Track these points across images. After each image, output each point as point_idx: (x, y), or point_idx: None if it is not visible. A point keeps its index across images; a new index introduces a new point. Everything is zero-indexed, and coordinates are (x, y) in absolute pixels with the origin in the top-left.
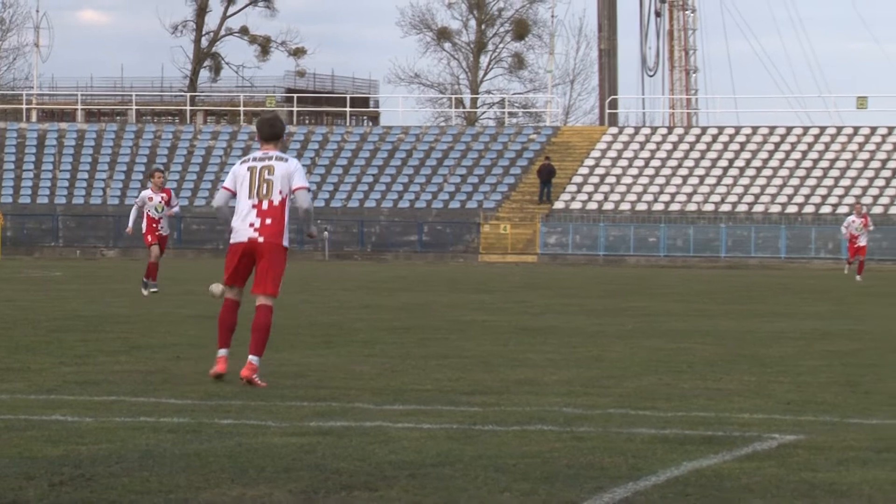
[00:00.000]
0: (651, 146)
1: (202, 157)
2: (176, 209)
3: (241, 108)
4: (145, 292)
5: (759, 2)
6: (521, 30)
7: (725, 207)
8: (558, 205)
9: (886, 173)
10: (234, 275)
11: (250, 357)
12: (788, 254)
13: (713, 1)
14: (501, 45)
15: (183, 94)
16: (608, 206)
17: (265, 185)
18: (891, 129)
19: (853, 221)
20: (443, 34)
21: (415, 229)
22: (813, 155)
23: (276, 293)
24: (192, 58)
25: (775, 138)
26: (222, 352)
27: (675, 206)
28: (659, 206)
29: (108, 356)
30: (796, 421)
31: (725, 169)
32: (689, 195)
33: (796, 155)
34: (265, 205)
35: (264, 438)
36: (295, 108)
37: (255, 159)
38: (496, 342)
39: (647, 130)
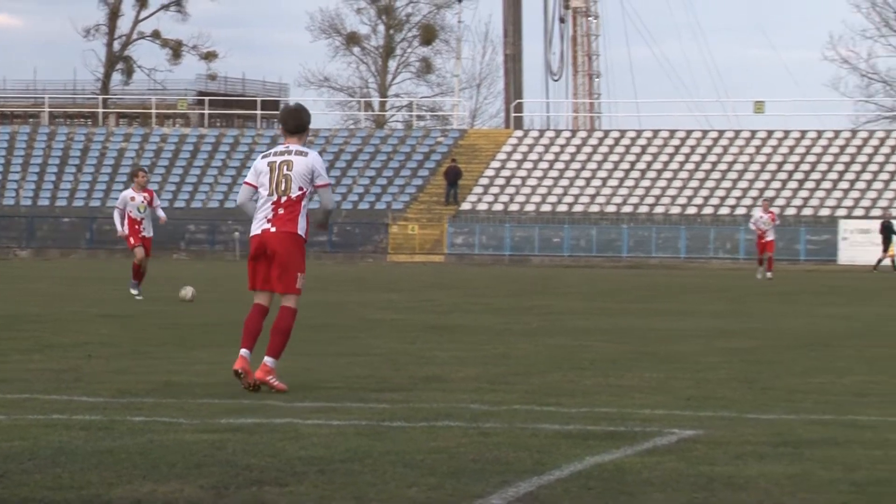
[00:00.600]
0: (555, 149)
1: (114, 158)
2: (160, 212)
3: (153, 111)
4: (135, 292)
5: (660, 9)
6: (428, 35)
7: (627, 209)
8: (465, 206)
9: (783, 175)
10: (254, 277)
11: (266, 358)
12: (688, 254)
13: (615, 7)
14: (409, 50)
15: (95, 96)
16: (514, 207)
17: (284, 181)
18: (787, 132)
19: (760, 217)
20: (352, 39)
21: (325, 230)
22: (712, 158)
23: (297, 290)
24: (104, 61)
25: (675, 141)
26: (244, 351)
27: (578, 208)
28: (563, 208)
29: (22, 354)
30: (696, 416)
31: (627, 171)
32: (592, 197)
33: (696, 158)
34: (283, 200)
35: (176, 435)
36: (206, 111)
37: (275, 153)
38: (404, 340)
39: (551, 133)
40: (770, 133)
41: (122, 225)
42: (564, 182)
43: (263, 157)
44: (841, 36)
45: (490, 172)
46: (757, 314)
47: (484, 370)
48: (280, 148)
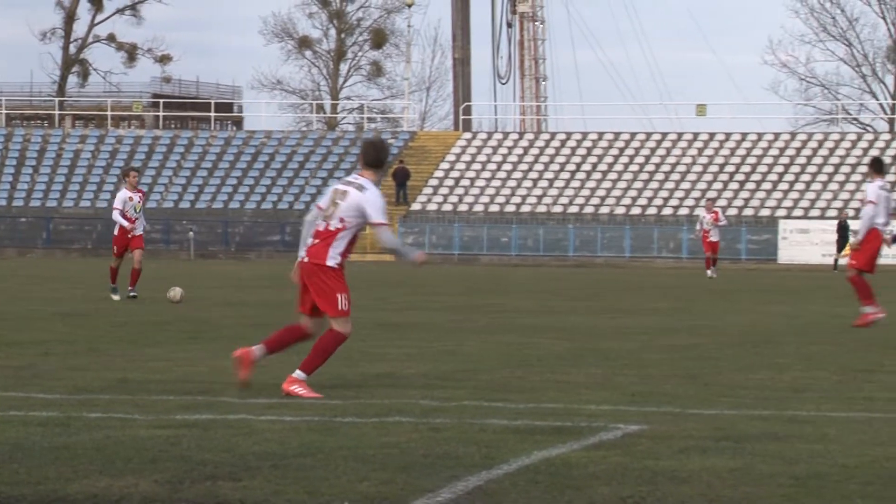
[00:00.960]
0: (503, 150)
1: (70, 160)
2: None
3: (109, 113)
4: (116, 297)
5: (604, 14)
6: (379, 39)
7: (573, 209)
8: (415, 206)
9: (724, 177)
10: (299, 301)
11: (297, 371)
12: (632, 253)
13: (561, 12)
14: (360, 54)
15: (52, 98)
16: (462, 207)
17: (333, 208)
18: (728, 134)
19: (704, 217)
20: (304, 43)
21: (277, 229)
22: (655, 159)
23: (337, 313)
24: (60, 64)
25: (620, 143)
26: (257, 346)
27: (525, 208)
28: (510, 208)
29: None
30: (640, 412)
31: (573, 172)
32: (539, 197)
33: (640, 159)
34: (322, 228)
35: (131, 431)
36: (161, 113)
37: (344, 181)
38: (356, 338)
39: (499, 135)
40: (712, 135)
41: (124, 221)
42: (512, 183)
43: (336, 183)
44: (780, 41)
45: (439, 173)
46: (699, 312)
47: (434, 367)
48: (350, 177)
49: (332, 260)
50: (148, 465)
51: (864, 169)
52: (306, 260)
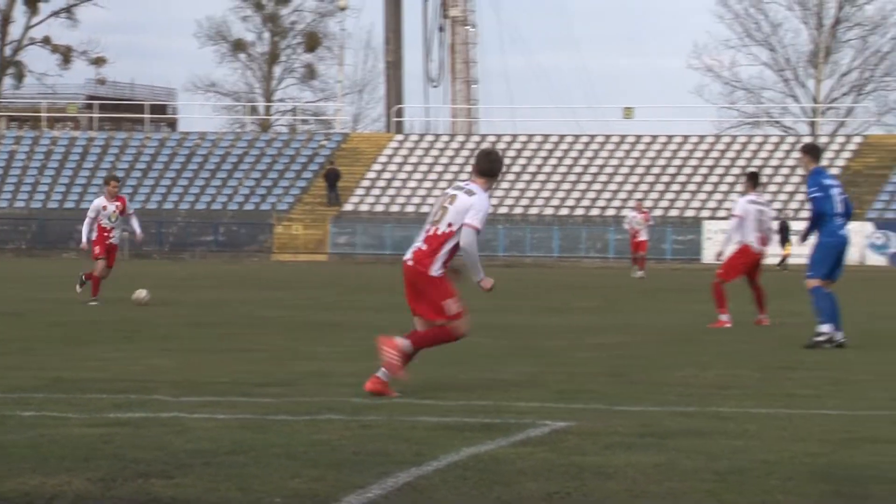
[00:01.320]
0: (434, 152)
1: (5, 160)
2: (136, 225)
3: (44, 114)
4: (94, 303)
5: (535, 19)
6: (312, 42)
7: (503, 210)
8: (347, 207)
9: (650, 178)
10: (409, 302)
11: (401, 339)
12: (561, 253)
13: (492, 17)
14: (294, 56)
15: None
16: (394, 208)
17: (440, 212)
18: (655, 137)
19: (634, 217)
20: (238, 45)
21: (211, 230)
22: (583, 161)
23: (453, 316)
24: None
25: (549, 145)
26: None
27: None
28: None
29: None
30: (568, 409)
31: (503, 173)
32: None
33: (568, 161)
34: (431, 233)
35: (65, 429)
36: (96, 115)
37: (454, 186)
38: (288, 337)
39: (430, 138)
40: (638, 137)
41: (91, 234)
42: (443, 184)
43: (448, 188)
44: (705, 45)
45: (372, 174)
46: (626, 311)
47: (365, 366)
48: (460, 182)
49: (435, 270)
50: (81, 464)
51: (786, 171)
52: (410, 263)
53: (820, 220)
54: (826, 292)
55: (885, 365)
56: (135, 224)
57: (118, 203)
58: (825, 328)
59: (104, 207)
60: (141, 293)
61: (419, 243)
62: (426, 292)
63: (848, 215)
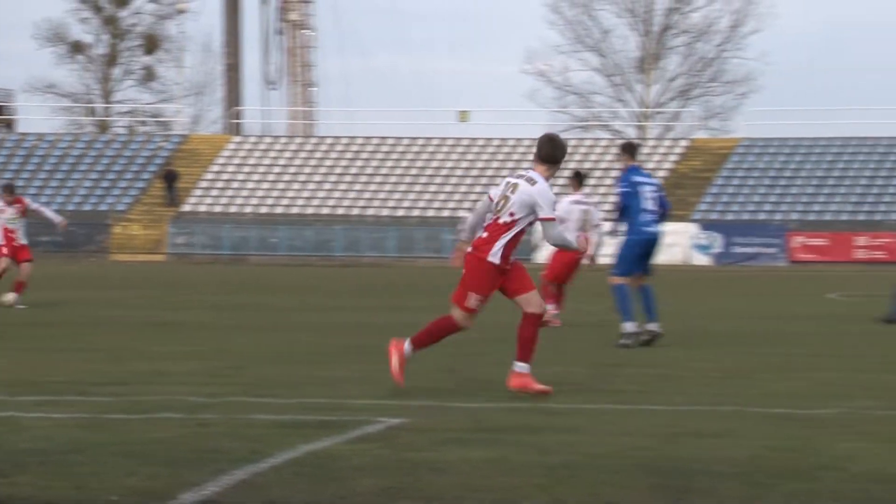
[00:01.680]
0: (273, 154)
1: None
2: (45, 211)
3: None
4: (21, 306)
5: (373, 23)
6: (151, 44)
7: (340, 210)
8: (186, 207)
9: (484, 180)
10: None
11: (406, 343)
12: (397, 253)
13: (331, 21)
14: (133, 59)
15: None
16: (233, 209)
17: (502, 202)
18: (489, 140)
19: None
20: (76, 47)
21: (48, 230)
22: (419, 163)
23: (466, 308)
24: None
25: (386, 148)
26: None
27: (294, 210)
28: (279, 209)
29: None
30: (402, 406)
31: (341, 175)
32: (308, 199)
33: (404, 163)
34: (492, 221)
35: None
36: None
37: (516, 175)
38: (126, 336)
39: (268, 139)
40: (473, 140)
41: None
42: (281, 185)
43: (509, 176)
44: (537, 51)
45: (210, 176)
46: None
47: (202, 364)
48: (522, 171)
49: (494, 256)
50: None
51: (616, 173)
52: (469, 249)
53: (625, 216)
54: (629, 289)
55: (707, 362)
56: (49, 214)
57: (17, 205)
58: (628, 326)
59: (2, 211)
60: (8, 296)
61: (482, 232)
62: (468, 274)
63: (663, 214)
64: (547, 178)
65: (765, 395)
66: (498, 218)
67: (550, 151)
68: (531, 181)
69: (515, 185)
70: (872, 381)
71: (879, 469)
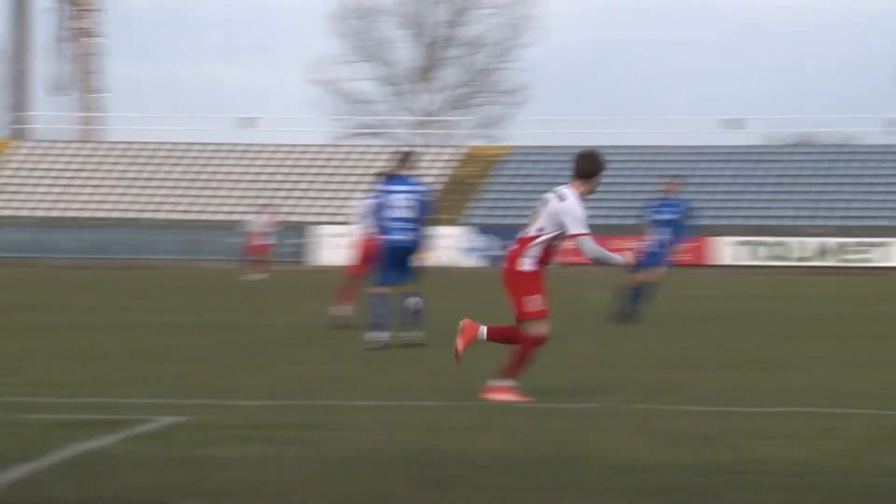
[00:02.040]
0: (61, 159)
1: None
2: None
3: None
4: None
5: (164, 31)
6: None
7: (130, 214)
8: None
9: (272, 184)
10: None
11: (501, 379)
12: (184, 255)
13: (121, 28)
14: None
15: None
16: (23, 212)
17: (534, 216)
18: (279, 146)
19: (259, 221)
20: None
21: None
22: (209, 168)
23: (530, 314)
24: None
25: (176, 153)
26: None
27: (83, 213)
28: (68, 213)
29: None
30: (180, 404)
31: (131, 179)
32: (99, 202)
33: (194, 168)
34: (522, 235)
35: None
36: None
37: (553, 190)
38: None
39: (57, 144)
40: (263, 146)
41: None
42: (73, 189)
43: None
44: (320, 60)
45: None
46: (240, 310)
47: None
48: (559, 187)
49: (525, 265)
50: None
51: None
52: (503, 265)
53: (375, 223)
54: (386, 298)
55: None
56: None
57: None
58: (376, 335)
59: None
60: None
61: (513, 245)
62: (512, 287)
63: (420, 220)
64: (583, 194)
65: (530, 390)
66: (526, 233)
67: (585, 167)
68: (562, 197)
69: (547, 201)
70: (622, 377)
71: (631, 459)
